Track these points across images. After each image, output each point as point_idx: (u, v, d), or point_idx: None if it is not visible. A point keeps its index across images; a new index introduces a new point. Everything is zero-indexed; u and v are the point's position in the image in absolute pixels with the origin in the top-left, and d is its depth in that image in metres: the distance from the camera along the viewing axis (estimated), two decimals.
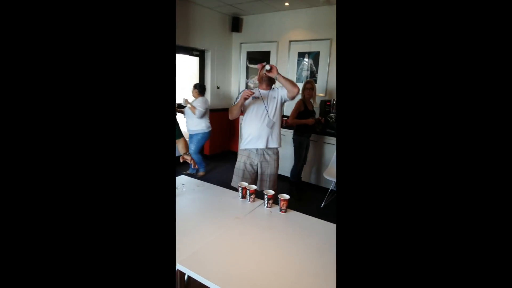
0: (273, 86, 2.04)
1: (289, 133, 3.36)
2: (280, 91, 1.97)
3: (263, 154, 2.02)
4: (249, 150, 2.04)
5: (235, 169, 2.06)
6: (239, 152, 2.10)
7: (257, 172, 2.05)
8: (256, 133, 1.99)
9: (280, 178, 3.71)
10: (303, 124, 2.96)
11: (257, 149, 2.00)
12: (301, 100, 2.97)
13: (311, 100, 3.05)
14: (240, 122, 4.01)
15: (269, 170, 2.03)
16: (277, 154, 2.09)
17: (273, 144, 2.02)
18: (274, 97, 1.98)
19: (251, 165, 2.02)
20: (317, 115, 3.25)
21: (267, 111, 1.96)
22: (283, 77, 1.81)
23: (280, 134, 2.07)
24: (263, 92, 2.00)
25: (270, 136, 1.99)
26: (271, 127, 1.98)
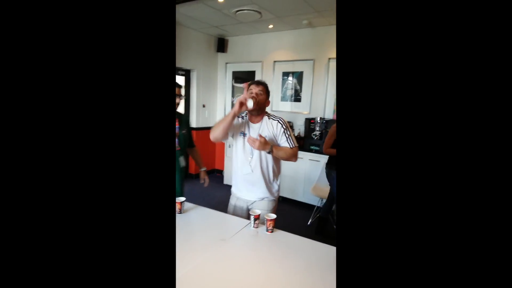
0: (267, 112, 1.49)
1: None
2: (276, 128, 1.43)
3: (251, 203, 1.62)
4: (235, 194, 1.67)
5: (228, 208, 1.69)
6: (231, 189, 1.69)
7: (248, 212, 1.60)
8: (237, 181, 1.61)
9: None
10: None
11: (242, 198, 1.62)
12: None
13: None
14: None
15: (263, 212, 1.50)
16: (272, 204, 1.59)
17: (260, 196, 1.56)
18: (266, 136, 1.42)
19: (241, 209, 1.64)
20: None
21: (252, 155, 1.48)
22: (277, 150, 1.40)
23: (273, 183, 1.57)
24: (253, 126, 1.47)
25: (252, 189, 1.56)
26: (251, 179, 1.52)
